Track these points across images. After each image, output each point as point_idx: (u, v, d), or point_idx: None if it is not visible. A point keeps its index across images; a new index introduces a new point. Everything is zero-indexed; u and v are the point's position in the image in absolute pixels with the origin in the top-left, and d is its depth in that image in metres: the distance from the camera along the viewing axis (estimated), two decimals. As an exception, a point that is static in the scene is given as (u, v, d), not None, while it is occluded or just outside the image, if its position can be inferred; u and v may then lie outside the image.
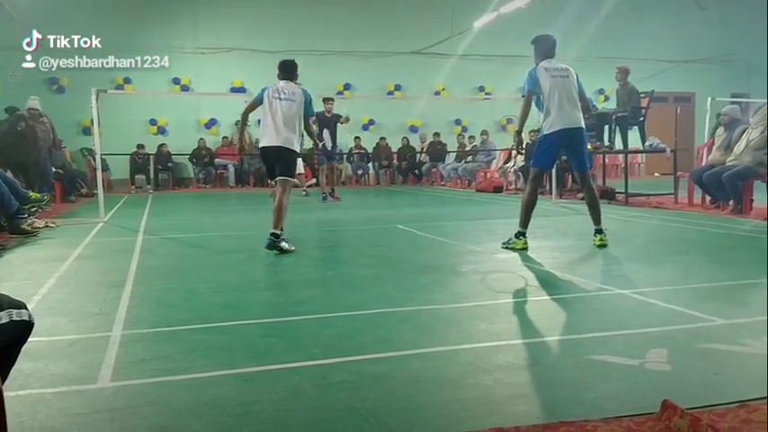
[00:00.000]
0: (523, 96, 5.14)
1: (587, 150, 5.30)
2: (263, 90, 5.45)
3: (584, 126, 5.19)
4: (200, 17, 15.72)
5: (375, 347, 2.63)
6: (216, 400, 2.10)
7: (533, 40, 5.28)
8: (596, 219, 5.23)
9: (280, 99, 5.32)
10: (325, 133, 10.43)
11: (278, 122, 5.28)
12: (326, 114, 10.64)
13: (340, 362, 2.45)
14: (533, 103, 5.14)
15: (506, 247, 5.11)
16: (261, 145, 5.49)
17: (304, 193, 11.27)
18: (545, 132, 5.09)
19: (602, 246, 5.12)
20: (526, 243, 5.08)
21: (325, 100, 10.74)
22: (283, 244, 5.12)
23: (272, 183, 5.59)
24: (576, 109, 5.12)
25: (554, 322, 3.10)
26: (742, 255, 5.13)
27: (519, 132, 5.33)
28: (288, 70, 5.52)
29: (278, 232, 5.14)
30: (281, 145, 5.27)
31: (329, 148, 10.66)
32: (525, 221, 5.13)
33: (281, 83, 5.45)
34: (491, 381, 2.25)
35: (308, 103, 5.44)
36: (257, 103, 5.47)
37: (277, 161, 5.34)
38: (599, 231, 5.20)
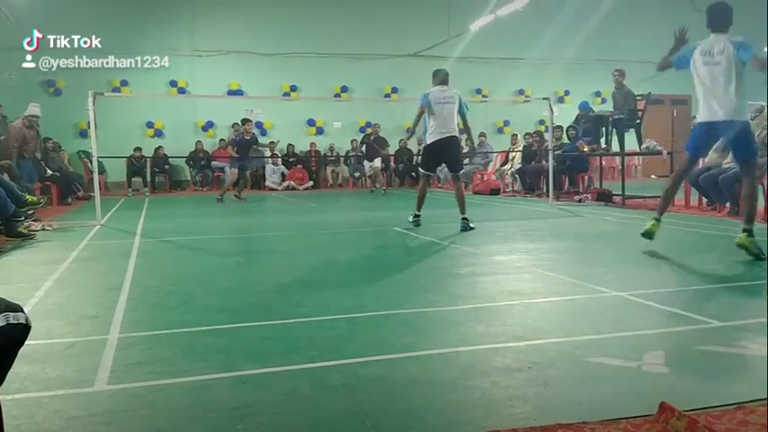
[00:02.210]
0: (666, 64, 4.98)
1: (749, 138, 4.71)
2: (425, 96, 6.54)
3: (734, 118, 4.52)
4: (198, 19, 15.71)
5: (372, 350, 2.63)
6: (213, 403, 2.10)
7: (707, 9, 4.75)
8: (749, 216, 4.63)
9: (444, 103, 6.49)
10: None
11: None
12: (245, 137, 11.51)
13: (337, 364, 2.45)
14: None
15: (642, 234, 5.02)
16: (434, 140, 6.54)
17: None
18: (697, 121, 4.89)
19: (741, 247, 4.53)
20: (655, 225, 4.95)
21: (244, 121, 11.72)
22: (472, 224, 6.51)
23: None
24: (725, 99, 4.52)
25: (551, 324, 3.10)
26: (738, 257, 5.14)
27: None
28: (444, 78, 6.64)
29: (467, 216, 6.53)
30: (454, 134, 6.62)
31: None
32: (663, 209, 5.13)
33: (441, 88, 6.57)
34: (488, 383, 2.25)
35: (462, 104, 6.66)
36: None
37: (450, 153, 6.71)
38: (746, 231, 4.57)
